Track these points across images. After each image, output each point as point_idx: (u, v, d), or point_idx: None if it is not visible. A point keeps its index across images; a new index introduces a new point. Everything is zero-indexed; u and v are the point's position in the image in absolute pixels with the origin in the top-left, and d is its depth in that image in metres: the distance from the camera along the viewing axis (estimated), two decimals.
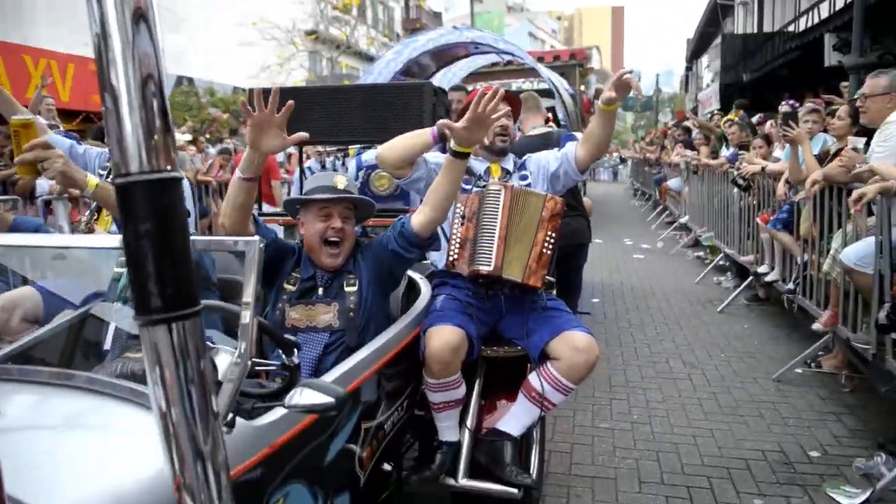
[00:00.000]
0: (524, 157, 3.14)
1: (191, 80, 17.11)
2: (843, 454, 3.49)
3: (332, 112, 3.75)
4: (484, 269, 2.75)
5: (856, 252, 3.71)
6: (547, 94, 9.12)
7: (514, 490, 2.59)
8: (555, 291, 3.50)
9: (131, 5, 0.94)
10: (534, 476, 2.80)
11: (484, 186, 2.92)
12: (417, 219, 2.57)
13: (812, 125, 4.88)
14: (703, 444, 3.65)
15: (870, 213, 3.74)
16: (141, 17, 0.95)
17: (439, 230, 2.75)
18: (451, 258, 2.83)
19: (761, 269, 5.97)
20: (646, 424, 3.91)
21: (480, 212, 2.83)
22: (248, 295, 1.71)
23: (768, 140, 5.98)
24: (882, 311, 3.39)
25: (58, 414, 1.74)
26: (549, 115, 7.81)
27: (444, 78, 8.05)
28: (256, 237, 1.78)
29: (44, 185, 6.70)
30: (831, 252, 4.11)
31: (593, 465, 3.43)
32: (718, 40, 24.46)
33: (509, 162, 3.08)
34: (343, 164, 9.98)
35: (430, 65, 7.60)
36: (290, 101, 2.27)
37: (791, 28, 17.09)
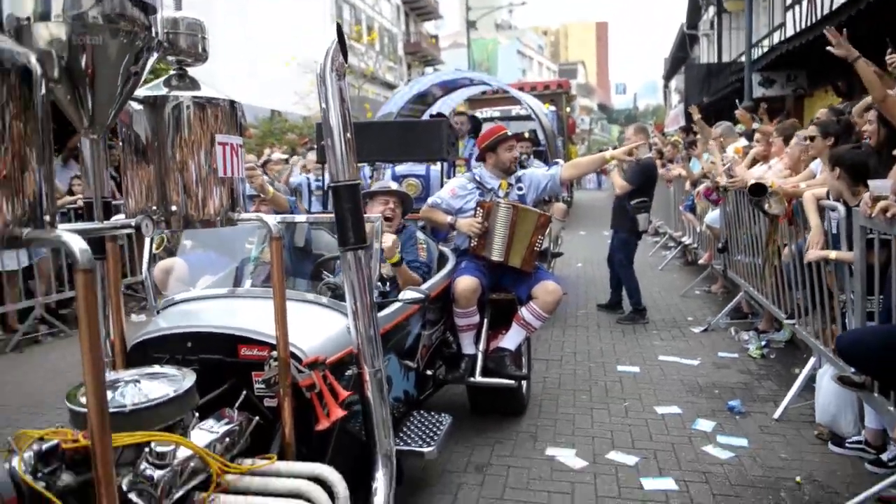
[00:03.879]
0: (520, 174, 4.31)
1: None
2: (704, 318, 6.84)
3: (378, 140, 4.81)
4: (496, 259, 3.98)
5: (711, 217, 7.13)
6: (528, 118, 11.21)
7: (512, 381, 3.92)
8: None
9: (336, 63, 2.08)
10: (524, 371, 4.27)
11: (497, 196, 4.14)
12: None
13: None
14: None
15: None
16: (341, 75, 2.13)
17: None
18: (472, 244, 4.03)
19: (684, 239, 9.38)
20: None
21: (494, 218, 3.96)
22: (377, 252, 2.69)
23: (689, 157, 9.34)
24: (719, 244, 6.80)
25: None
26: (533, 135, 10.26)
27: (445, 103, 10.15)
28: (379, 214, 3.18)
29: None
30: (705, 219, 7.49)
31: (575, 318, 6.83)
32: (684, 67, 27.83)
33: (512, 178, 4.29)
34: (372, 175, 12.77)
35: (436, 92, 9.72)
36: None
37: (742, 59, 20.60)
